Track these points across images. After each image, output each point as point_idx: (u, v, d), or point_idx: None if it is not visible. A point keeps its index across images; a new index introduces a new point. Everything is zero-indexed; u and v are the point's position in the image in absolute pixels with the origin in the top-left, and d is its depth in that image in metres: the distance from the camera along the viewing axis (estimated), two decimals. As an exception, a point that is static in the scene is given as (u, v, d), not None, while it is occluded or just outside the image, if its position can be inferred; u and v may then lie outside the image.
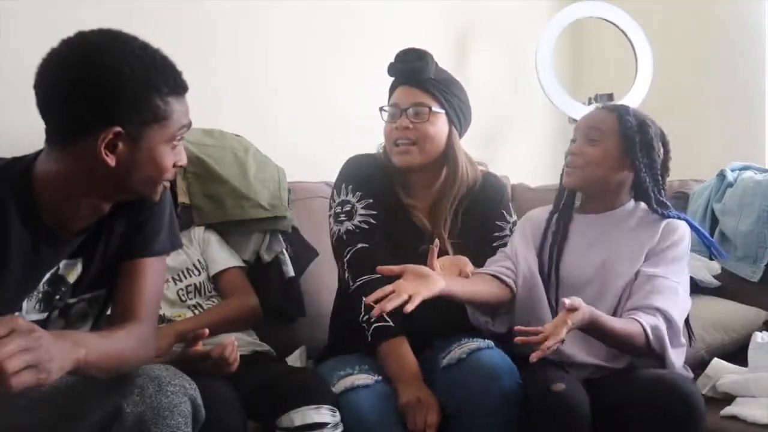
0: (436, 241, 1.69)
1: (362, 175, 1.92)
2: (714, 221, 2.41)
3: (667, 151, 1.86)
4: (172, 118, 1.29)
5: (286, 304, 2.21)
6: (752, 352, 1.91)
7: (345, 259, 1.85)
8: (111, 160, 1.26)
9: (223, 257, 2.08)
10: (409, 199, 1.93)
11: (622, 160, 1.81)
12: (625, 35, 2.99)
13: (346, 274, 1.84)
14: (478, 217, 1.95)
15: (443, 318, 1.78)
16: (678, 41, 3.07)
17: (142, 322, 1.37)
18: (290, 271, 2.19)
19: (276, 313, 2.16)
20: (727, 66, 2.95)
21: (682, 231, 1.82)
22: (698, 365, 1.97)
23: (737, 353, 2.05)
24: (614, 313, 1.75)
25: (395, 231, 1.89)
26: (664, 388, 1.58)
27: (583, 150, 1.83)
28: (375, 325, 1.75)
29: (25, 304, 1.34)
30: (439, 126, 1.88)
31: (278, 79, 2.60)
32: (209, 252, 2.07)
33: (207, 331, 1.60)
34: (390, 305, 1.48)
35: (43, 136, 1.30)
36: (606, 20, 3.01)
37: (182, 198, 2.11)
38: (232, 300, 2.01)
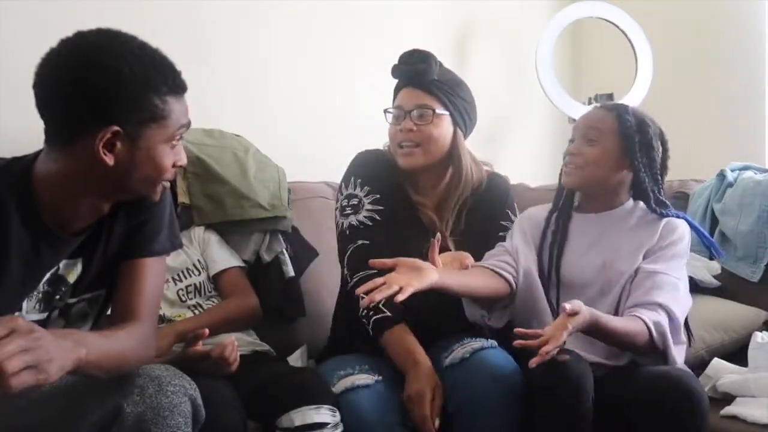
0: (438, 235, 1.70)
1: (371, 170, 1.93)
2: (714, 221, 2.41)
3: (665, 150, 1.86)
4: (171, 117, 1.29)
5: (286, 304, 2.21)
6: (752, 352, 1.91)
7: (346, 255, 1.85)
8: (109, 159, 1.26)
9: (223, 257, 2.08)
10: (418, 196, 1.93)
11: (622, 159, 1.81)
12: (625, 35, 2.99)
13: (345, 271, 1.85)
14: (483, 217, 1.95)
15: (446, 317, 1.78)
16: (678, 41, 3.07)
17: (142, 322, 1.37)
18: (290, 271, 2.19)
19: (276, 313, 2.16)
20: (727, 66, 2.94)
21: (682, 230, 1.81)
22: (698, 365, 1.97)
23: (737, 353, 2.05)
24: (615, 312, 1.75)
25: (402, 228, 1.89)
26: (669, 385, 1.58)
27: (582, 150, 1.82)
28: (374, 317, 1.75)
29: (25, 304, 1.34)
30: (444, 128, 1.88)
31: (278, 79, 2.60)
32: (209, 252, 2.07)
33: (207, 331, 1.61)
34: (380, 296, 1.49)
35: (42, 135, 1.30)
36: (606, 20, 3.01)
37: (182, 198, 2.11)
38: (232, 300, 2.01)
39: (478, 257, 1.86)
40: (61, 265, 1.36)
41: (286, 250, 2.21)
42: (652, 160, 1.82)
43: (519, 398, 1.62)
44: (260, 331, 2.05)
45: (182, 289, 1.97)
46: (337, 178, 2.00)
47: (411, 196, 1.93)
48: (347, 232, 1.87)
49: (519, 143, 3.24)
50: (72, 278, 1.38)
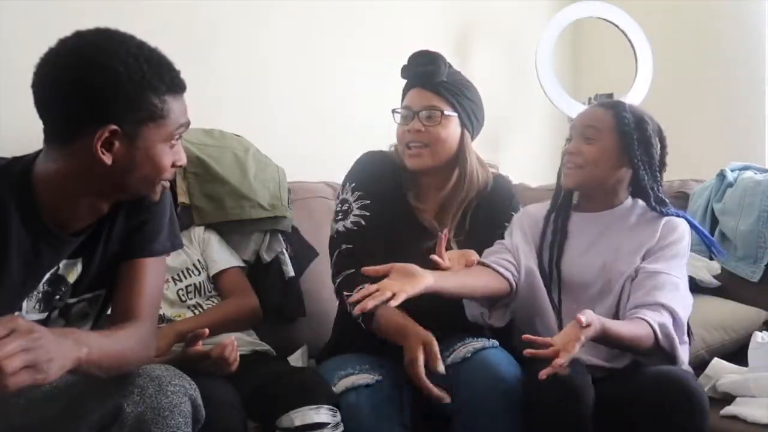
0: (446, 230, 1.71)
1: (367, 174, 1.93)
2: (714, 221, 2.41)
3: (663, 147, 1.85)
4: (170, 117, 1.29)
5: (286, 304, 2.21)
6: (752, 352, 1.91)
7: (332, 261, 1.88)
8: (107, 159, 1.26)
9: (223, 257, 2.08)
10: (417, 199, 1.93)
11: (620, 157, 1.80)
12: (625, 35, 2.99)
13: (332, 273, 1.88)
14: (487, 219, 1.95)
15: (447, 317, 1.78)
16: (678, 41, 3.07)
17: (142, 322, 1.37)
18: (290, 271, 2.20)
19: (276, 313, 2.16)
20: (727, 66, 2.94)
21: (682, 229, 1.81)
22: (698, 365, 1.97)
23: (737, 353, 2.05)
24: (616, 311, 1.75)
25: (398, 230, 1.89)
26: (669, 385, 1.57)
27: (580, 149, 1.81)
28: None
29: (25, 304, 1.34)
30: (452, 129, 1.88)
31: (278, 79, 2.60)
32: (209, 252, 2.07)
33: (207, 331, 1.61)
34: (372, 303, 1.49)
35: (42, 135, 1.30)
36: (606, 20, 3.01)
37: (182, 198, 2.11)
38: (232, 300, 2.01)
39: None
40: (61, 265, 1.36)
41: (286, 250, 2.21)
42: (651, 158, 1.80)
43: (520, 399, 1.62)
44: (260, 331, 2.05)
45: (182, 289, 1.97)
46: (337, 178, 2.01)
47: (410, 201, 1.93)
48: (335, 237, 1.89)
49: (519, 143, 3.24)
50: (72, 278, 1.38)
